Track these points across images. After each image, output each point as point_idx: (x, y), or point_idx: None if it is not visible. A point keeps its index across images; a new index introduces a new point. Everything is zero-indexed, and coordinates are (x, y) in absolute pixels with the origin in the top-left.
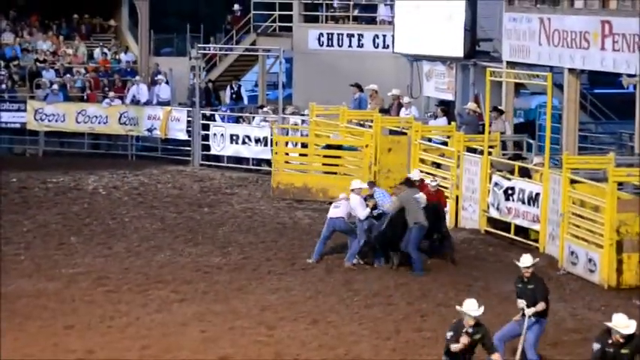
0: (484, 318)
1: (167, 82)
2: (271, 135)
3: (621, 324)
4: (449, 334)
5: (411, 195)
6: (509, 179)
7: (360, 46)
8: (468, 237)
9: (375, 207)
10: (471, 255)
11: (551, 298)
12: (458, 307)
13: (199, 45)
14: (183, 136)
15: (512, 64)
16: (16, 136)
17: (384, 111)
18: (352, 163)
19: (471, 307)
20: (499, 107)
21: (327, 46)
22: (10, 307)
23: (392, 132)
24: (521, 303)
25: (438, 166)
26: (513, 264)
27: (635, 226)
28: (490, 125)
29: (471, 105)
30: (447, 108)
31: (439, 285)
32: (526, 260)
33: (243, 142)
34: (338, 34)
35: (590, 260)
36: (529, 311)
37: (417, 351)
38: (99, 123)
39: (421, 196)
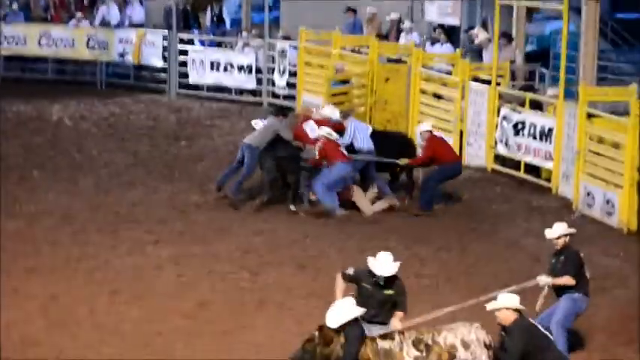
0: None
1: (141, 2)
2: (256, 62)
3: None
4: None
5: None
6: (519, 112)
7: None
8: (473, 175)
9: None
10: (476, 195)
11: None
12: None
13: None
14: (159, 63)
15: None
16: None
17: (382, 37)
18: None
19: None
20: (507, 33)
21: None
22: None
23: (390, 60)
24: (540, 280)
25: (440, 97)
26: (522, 206)
27: None
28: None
29: (478, 31)
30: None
31: (440, 228)
32: (553, 231)
33: (225, 70)
34: None
35: (607, 202)
36: (543, 279)
37: (415, 298)
38: (64, 47)
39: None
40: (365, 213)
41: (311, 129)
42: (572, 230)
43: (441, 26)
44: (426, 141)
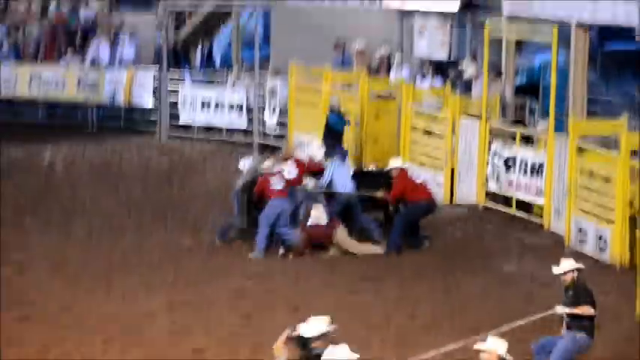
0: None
1: (131, 41)
2: (247, 100)
3: None
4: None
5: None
6: (510, 148)
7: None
8: (464, 213)
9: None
10: (468, 233)
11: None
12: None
13: (167, 0)
14: (149, 102)
15: (513, 19)
16: None
17: (372, 72)
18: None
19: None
20: (497, 67)
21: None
22: None
23: (380, 96)
24: (558, 309)
25: (430, 133)
26: (514, 243)
27: None
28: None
29: (467, 65)
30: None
31: (433, 267)
32: (561, 266)
33: (216, 108)
34: None
35: (600, 237)
36: (560, 309)
37: (409, 339)
38: (55, 88)
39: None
40: (353, 251)
41: (288, 171)
42: (580, 265)
43: (430, 61)
44: (395, 178)
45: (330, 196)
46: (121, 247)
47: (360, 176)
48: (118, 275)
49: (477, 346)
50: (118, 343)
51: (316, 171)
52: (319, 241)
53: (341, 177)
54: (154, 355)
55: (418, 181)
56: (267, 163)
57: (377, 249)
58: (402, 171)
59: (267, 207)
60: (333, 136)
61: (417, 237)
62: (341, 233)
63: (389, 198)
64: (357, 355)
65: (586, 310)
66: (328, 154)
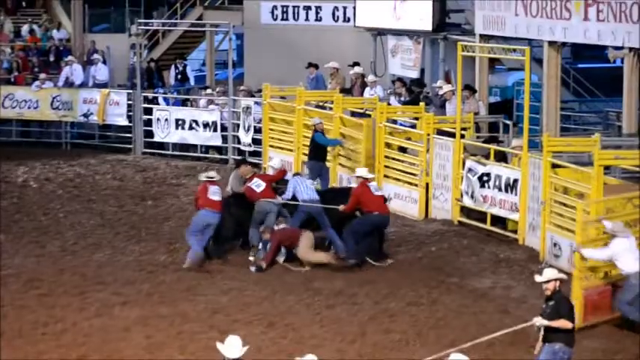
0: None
1: (104, 62)
2: (221, 119)
3: None
4: None
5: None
6: (484, 164)
7: (318, 19)
8: (439, 228)
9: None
10: (443, 248)
11: (532, 295)
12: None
13: (140, 20)
14: (124, 122)
15: (486, 38)
16: None
17: (346, 91)
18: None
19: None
20: (471, 85)
21: (282, 19)
22: None
23: (354, 114)
24: (536, 321)
25: (405, 150)
26: (489, 258)
27: (624, 214)
28: (463, 105)
29: (440, 83)
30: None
31: (409, 282)
32: (544, 275)
33: (190, 128)
34: (293, 7)
35: (574, 252)
36: (539, 320)
37: (385, 355)
38: (28, 108)
39: None
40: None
41: (256, 185)
42: (562, 275)
43: (400, 79)
44: (354, 189)
45: (294, 207)
46: (96, 262)
47: (328, 193)
48: (92, 290)
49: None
50: (93, 358)
51: (280, 179)
52: (287, 244)
53: (302, 186)
54: None
55: (377, 193)
56: (212, 173)
57: (329, 258)
58: (363, 181)
59: (197, 216)
60: (318, 153)
61: (380, 252)
62: (305, 240)
63: (346, 210)
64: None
65: (564, 324)
66: (313, 169)
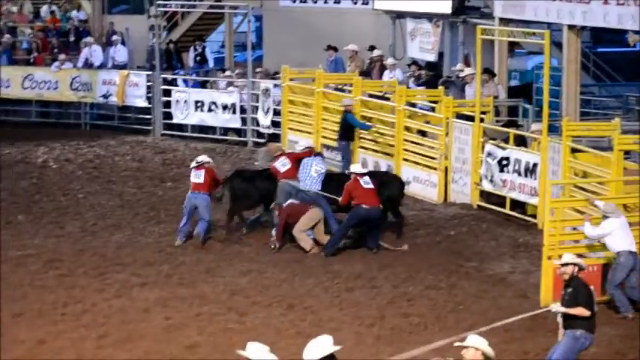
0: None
1: (123, 43)
2: (240, 102)
3: None
4: None
5: None
6: (503, 148)
7: (337, 2)
8: (458, 212)
9: None
10: (462, 233)
11: None
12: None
13: (159, 2)
14: (143, 103)
15: (505, 21)
16: None
17: (365, 74)
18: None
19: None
20: (490, 69)
21: (301, 2)
22: None
23: (372, 96)
24: (552, 307)
25: (424, 134)
26: (508, 242)
27: None
28: (482, 89)
29: (460, 66)
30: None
31: (427, 266)
32: (562, 258)
33: (209, 110)
34: None
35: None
36: (555, 307)
37: (403, 338)
38: (48, 89)
39: None
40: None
41: (282, 164)
42: (580, 260)
43: (415, 62)
44: (348, 184)
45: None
46: (115, 244)
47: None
48: (112, 271)
49: (458, 344)
50: (112, 339)
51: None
52: (295, 220)
53: (305, 176)
54: (147, 351)
55: (367, 186)
56: (200, 158)
57: (311, 248)
58: (356, 177)
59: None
60: (347, 134)
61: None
62: (306, 217)
63: (342, 203)
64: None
65: (581, 311)
66: (345, 150)
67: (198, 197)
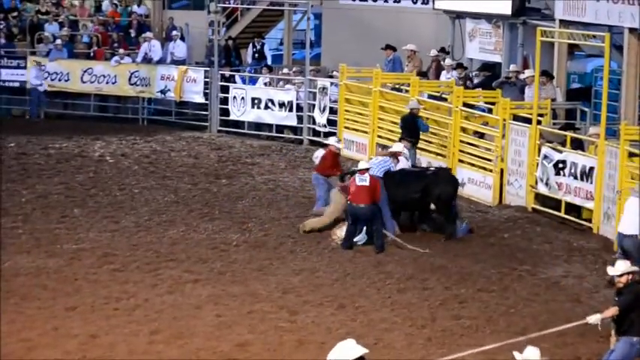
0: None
1: (183, 39)
2: (297, 99)
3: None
4: None
5: None
6: (560, 151)
7: (396, 1)
8: (513, 215)
9: None
10: (516, 235)
11: (605, 285)
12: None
13: None
14: (200, 99)
15: (565, 23)
16: (15, 96)
17: (423, 74)
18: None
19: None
20: (548, 71)
21: (361, 0)
22: (7, 286)
23: (431, 97)
24: (590, 319)
25: (482, 136)
26: (563, 246)
27: None
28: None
29: (514, 67)
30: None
31: (480, 268)
32: (616, 269)
33: (266, 107)
34: None
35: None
36: (591, 318)
37: (454, 341)
38: (107, 83)
39: None
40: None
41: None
42: (636, 268)
43: (460, 65)
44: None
45: None
46: (169, 239)
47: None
48: (165, 267)
49: (516, 355)
50: (164, 335)
51: None
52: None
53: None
54: (198, 348)
55: (361, 184)
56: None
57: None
58: (353, 176)
59: None
60: (413, 135)
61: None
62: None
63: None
64: (365, 350)
65: (612, 311)
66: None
67: None
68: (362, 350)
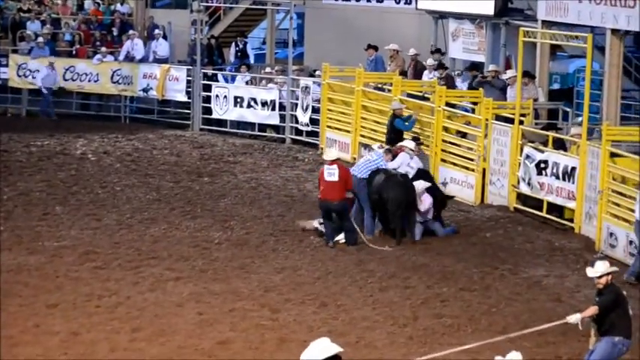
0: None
1: (165, 37)
2: (280, 98)
3: None
4: None
5: None
6: (542, 151)
7: (379, 0)
8: (495, 214)
9: None
10: (498, 235)
11: (586, 284)
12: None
13: None
14: (183, 98)
15: (548, 24)
16: None
17: (405, 74)
18: None
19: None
20: (530, 72)
21: (343, 0)
22: None
23: (411, 96)
24: (570, 318)
25: (464, 135)
26: (544, 246)
27: None
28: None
29: (493, 67)
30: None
31: (462, 267)
32: (595, 270)
33: (249, 106)
34: None
35: (631, 242)
36: (571, 318)
37: (436, 339)
38: (89, 81)
39: None
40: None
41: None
42: (614, 269)
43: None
44: None
45: None
46: (151, 237)
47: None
48: (147, 265)
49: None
50: (145, 333)
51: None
52: None
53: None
54: (180, 346)
55: (329, 179)
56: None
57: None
58: (329, 164)
59: None
60: (397, 138)
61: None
62: None
63: None
64: (339, 348)
65: (592, 311)
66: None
67: None
68: (336, 349)
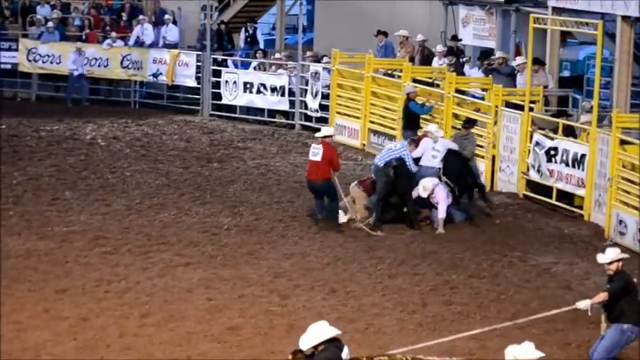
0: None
1: (175, 23)
2: (289, 84)
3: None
4: None
5: None
6: (552, 138)
7: None
8: (504, 201)
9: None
10: (507, 222)
11: (595, 272)
12: None
13: None
14: (192, 83)
15: (558, 10)
16: (6, 79)
17: (414, 60)
18: None
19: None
20: (540, 59)
21: None
22: None
23: (420, 82)
24: (579, 304)
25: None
26: (554, 233)
27: None
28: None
29: (499, 54)
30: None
31: (471, 254)
32: (605, 256)
33: (258, 91)
34: None
35: None
36: (581, 304)
37: (445, 326)
38: (98, 66)
39: None
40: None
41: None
42: (625, 255)
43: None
44: None
45: None
46: (160, 222)
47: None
48: (156, 250)
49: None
50: (154, 318)
51: None
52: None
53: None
54: (189, 332)
55: (313, 158)
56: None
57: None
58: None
59: None
60: (412, 122)
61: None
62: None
63: None
64: (337, 331)
65: (601, 297)
66: (406, 136)
67: None
68: (334, 331)
